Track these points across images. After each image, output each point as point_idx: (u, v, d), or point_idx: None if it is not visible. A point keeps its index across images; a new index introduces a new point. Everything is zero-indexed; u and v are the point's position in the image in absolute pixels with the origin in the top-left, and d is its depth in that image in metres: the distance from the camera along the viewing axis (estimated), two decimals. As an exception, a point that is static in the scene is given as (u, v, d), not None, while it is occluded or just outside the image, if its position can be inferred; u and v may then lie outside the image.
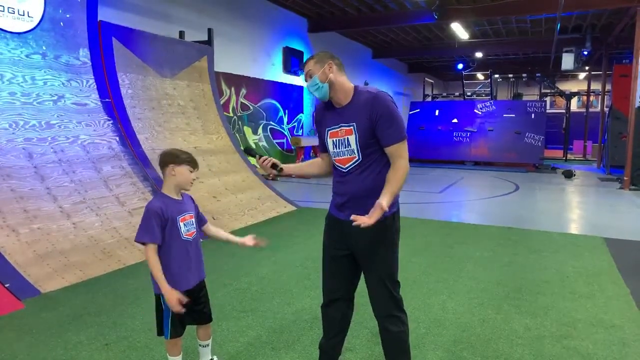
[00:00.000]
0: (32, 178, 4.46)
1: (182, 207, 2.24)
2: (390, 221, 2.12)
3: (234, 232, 5.60)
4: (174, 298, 2.07)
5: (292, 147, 12.96)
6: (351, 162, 2.10)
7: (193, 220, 2.28)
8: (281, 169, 2.26)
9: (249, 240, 2.36)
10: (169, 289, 2.09)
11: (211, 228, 2.41)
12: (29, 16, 4.91)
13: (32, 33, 4.95)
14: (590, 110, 19.09)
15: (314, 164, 2.39)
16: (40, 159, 4.64)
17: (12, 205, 4.13)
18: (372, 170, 2.09)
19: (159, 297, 2.20)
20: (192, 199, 2.37)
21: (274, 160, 2.25)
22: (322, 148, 2.30)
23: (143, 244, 2.12)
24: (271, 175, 2.23)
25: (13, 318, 3.20)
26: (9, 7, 4.72)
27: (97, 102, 5.55)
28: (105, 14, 6.35)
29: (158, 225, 2.12)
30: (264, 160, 2.23)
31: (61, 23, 5.27)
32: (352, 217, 1.92)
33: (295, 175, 2.46)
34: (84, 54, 5.53)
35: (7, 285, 3.49)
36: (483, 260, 4.66)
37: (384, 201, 1.95)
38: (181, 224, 2.20)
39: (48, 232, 4.21)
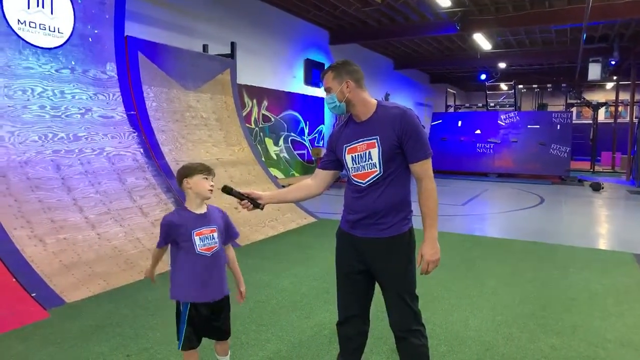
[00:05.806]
0: (59, 189, 4.57)
1: (201, 221, 2.22)
2: (407, 237, 2.12)
3: (254, 244, 5.68)
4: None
5: (313, 158, 12.99)
6: (371, 176, 2.09)
7: (214, 235, 2.25)
8: (263, 206, 2.25)
9: (241, 286, 2.42)
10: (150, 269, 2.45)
11: (230, 251, 2.40)
12: (59, 32, 5.08)
13: (62, 48, 5.11)
14: (619, 120, 18.59)
15: (300, 188, 2.36)
16: (67, 171, 4.76)
17: (40, 216, 4.25)
18: (393, 186, 2.08)
19: (178, 305, 2.24)
20: (222, 213, 2.35)
21: (253, 195, 2.24)
22: (327, 164, 2.29)
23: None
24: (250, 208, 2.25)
25: (38, 327, 3.27)
26: (40, 24, 4.89)
27: (122, 114, 5.68)
28: (131, 29, 6.51)
29: (163, 234, 2.24)
30: (244, 204, 2.23)
31: (90, 38, 5.44)
32: (422, 271, 2.11)
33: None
34: (111, 68, 5.68)
35: (33, 295, 3.57)
36: (506, 276, 4.55)
37: (431, 236, 2.08)
38: (196, 238, 2.19)
39: (74, 242, 4.30)
